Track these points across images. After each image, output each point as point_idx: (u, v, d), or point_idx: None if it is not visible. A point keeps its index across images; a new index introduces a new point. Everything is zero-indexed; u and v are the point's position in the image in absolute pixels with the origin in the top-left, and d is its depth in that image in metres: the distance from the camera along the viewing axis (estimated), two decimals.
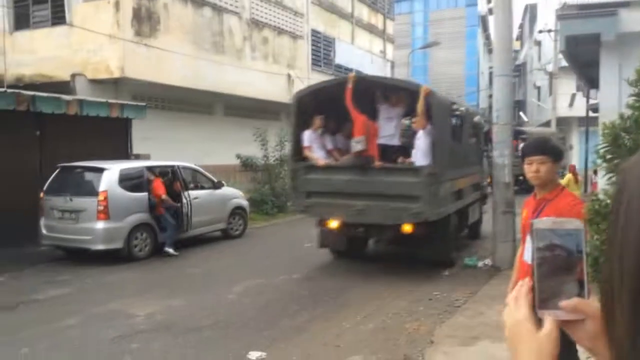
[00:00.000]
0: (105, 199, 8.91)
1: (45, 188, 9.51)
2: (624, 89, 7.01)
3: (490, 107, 20.29)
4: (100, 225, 8.91)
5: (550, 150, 2.95)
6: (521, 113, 41.22)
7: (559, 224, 0.80)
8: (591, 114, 21.04)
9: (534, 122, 39.66)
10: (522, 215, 3.30)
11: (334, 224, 8.34)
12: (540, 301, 0.79)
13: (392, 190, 7.71)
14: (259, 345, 5.38)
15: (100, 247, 8.96)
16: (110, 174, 9.17)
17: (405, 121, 9.20)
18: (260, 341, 5.51)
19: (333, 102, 8.37)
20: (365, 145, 7.91)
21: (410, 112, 8.67)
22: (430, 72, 39.58)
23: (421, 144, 7.90)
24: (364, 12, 24.59)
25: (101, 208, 8.90)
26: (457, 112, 9.20)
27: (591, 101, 19.94)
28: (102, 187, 9.00)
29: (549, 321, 0.79)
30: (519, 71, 45.34)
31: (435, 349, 5.23)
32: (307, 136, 8.47)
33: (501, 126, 8.77)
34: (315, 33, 20.72)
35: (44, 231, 9.43)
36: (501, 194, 8.69)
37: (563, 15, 10.51)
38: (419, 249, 8.60)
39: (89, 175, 9.49)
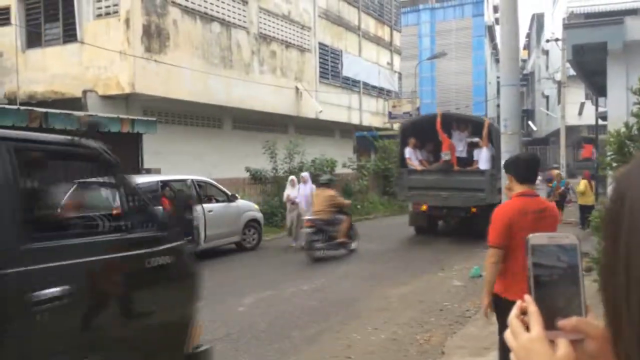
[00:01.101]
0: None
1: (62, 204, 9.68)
2: (631, 97, 7.01)
3: (498, 116, 20.19)
4: None
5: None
6: (530, 122, 41.10)
7: (554, 239, 0.78)
8: (600, 122, 20.93)
9: (543, 131, 39.51)
10: None
11: (424, 207, 12.87)
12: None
13: (466, 185, 12.00)
14: (270, 358, 5.40)
15: None
16: None
17: (473, 140, 13.35)
18: (271, 353, 5.52)
19: (419, 128, 13.28)
20: (450, 156, 12.36)
21: (472, 135, 13.19)
22: (438, 82, 39.64)
23: (484, 156, 12.28)
24: (370, 24, 24.75)
25: None
26: None
27: (600, 109, 19.84)
28: (117, 203, 9.14)
29: (564, 343, 0.74)
30: (527, 80, 45.29)
31: (447, 359, 5.21)
32: (407, 151, 13.11)
33: (509, 136, 8.75)
34: (322, 46, 20.88)
35: None
36: None
37: (570, 24, 10.55)
38: (476, 225, 11.54)
39: (105, 191, 9.62)
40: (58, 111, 10.24)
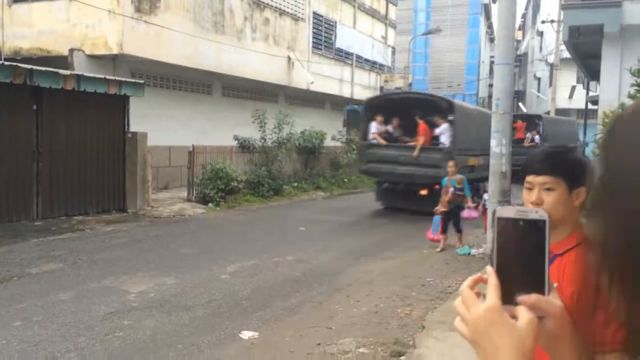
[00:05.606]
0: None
1: None
2: (624, 81, 6.97)
3: (489, 96, 20.22)
4: None
5: (566, 169, 1.65)
6: (520, 104, 41.15)
7: (523, 212, 0.75)
8: (590, 106, 20.98)
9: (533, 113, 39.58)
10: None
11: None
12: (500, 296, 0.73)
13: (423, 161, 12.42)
14: (251, 325, 5.41)
15: None
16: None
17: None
18: (253, 321, 5.53)
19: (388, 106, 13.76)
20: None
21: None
22: (431, 59, 39.38)
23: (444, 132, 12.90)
24: None
25: None
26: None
27: (591, 93, 19.88)
28: None
29: (524, 311, 0.70)
30: (520, 62, 45.15)
31: (427, 333, 5.26)
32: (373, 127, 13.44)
33: (500, 115, 8.72)
34: (316, 16, 20.54)
35: None
36: (497, 184, 8.68)
37: (568, 4, 10.44)
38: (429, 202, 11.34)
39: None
40: (44, 69, 9.98)
